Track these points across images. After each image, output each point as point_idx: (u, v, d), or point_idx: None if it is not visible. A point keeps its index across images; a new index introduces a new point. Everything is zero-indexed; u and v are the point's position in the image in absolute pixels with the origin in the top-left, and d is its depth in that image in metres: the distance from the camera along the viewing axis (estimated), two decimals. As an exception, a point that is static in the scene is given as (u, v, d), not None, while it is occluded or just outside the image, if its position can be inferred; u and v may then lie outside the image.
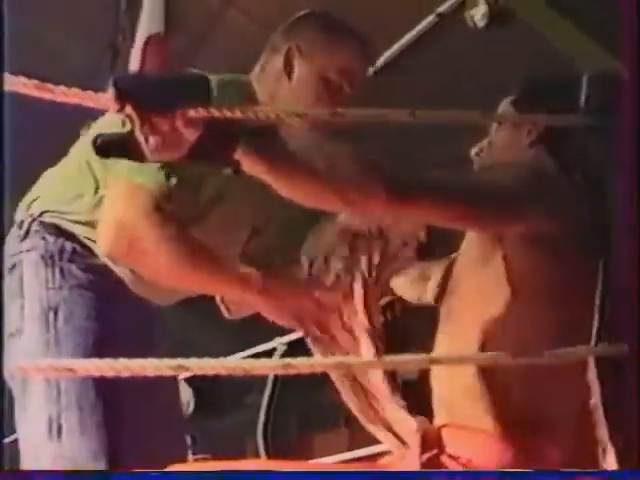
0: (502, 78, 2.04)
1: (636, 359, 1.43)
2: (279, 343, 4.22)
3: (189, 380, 4.90)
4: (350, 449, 4.10)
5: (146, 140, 1.31)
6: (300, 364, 1.25)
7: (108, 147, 1.37)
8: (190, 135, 1.35)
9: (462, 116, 1.48)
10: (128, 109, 1.25)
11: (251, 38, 4.28)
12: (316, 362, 1.31)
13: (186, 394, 4.96)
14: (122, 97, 1.25)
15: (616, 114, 1.73)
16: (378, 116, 1.31)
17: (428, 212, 1.65)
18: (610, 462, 1.58)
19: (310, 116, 1.44)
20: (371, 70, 3.67)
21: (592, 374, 1.63)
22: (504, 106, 1.96)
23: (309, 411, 5.70)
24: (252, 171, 1.47)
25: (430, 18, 3.67)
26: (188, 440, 4.17)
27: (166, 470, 1.55)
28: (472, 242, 1.78)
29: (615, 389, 1.63)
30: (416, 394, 1.84)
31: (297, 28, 2.13)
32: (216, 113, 1.27)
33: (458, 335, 1.73)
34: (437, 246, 2.01)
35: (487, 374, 1.67)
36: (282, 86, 2.08)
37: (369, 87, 2.18)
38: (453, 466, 1.64)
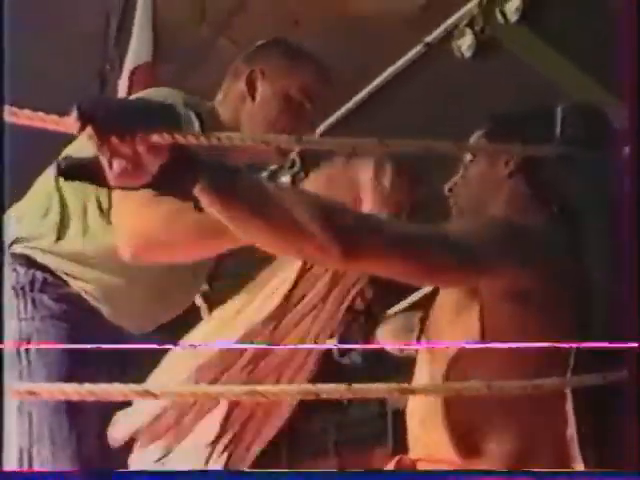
0: (489, 108, 2.04)
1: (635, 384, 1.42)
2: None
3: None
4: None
5: (110, 165, 1.31)
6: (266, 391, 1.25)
7: (73, 170, 1.37)
8: (152, 162, 1.35)
9: (434, 146, 1.48)
10: (89, 130, 1.26)
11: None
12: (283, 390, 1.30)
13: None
14: (84, 118, 1.25)
15: (594, 145, 1.74)
16: (346, 145, 1.30)
17: (385, 270, 1.60)
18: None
19: (275, 142, 1.42)
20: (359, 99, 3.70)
21: (569, 406, 1.63)
22: (475, 139, 1.92)
23: (298, 437, 5.69)
24: (209, 209, 1.45)
25: (418, 48, 3.69)
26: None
27: (166, 470, 1.54)
28: (450, 291, 1.76)
29: (594, 423, 1.62)
30: (404, 423, 1.83)
31: (258, 54, 2.23)
32: (179, 139, 1.27)
33: (431, 372, 1.73)
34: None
35: (454, 407, 1.66)
36: (246, 107, 2.17)
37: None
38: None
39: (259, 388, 1.26)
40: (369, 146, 1.40)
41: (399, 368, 2.02)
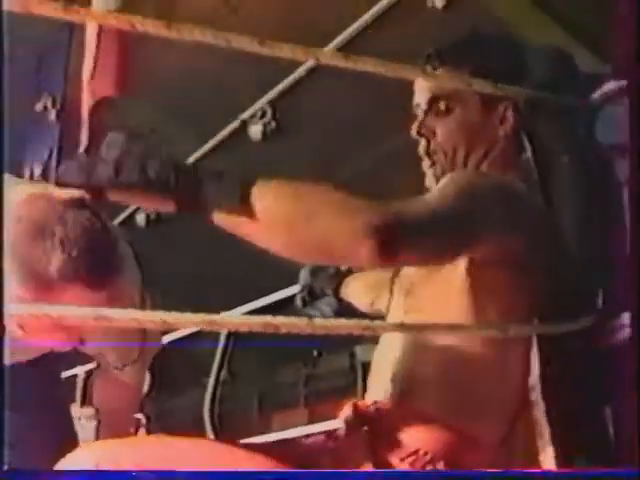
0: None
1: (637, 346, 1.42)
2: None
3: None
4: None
5: None
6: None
7: None
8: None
9: (401, 69, 1.46)
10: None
11: (211, 13, 4.28)
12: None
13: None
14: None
15: (564, 90, 1.73)
16: (310, 55, 1.28)
17: (415, 261, 1.56)
18: (545, 442, 1.58)
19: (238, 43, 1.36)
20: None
21: (534, 352, 1.64)
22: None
23: (267, 390, 5.70)
24: (223, 223, 1.40)
25: (390, -2, 3.65)
26: (143, 419, 4.17)
27: (166, 470, 1.53)
28: None
29: (559, 373, 1.63)
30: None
31: None
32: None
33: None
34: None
35: (422, 351, 1.67)
36: None
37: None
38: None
39: (217, 318, 1.26)
40: (337, 60, 1.38)
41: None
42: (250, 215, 1.35)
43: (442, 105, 1.80)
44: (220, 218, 1.37)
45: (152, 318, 1.25)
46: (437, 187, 1.61)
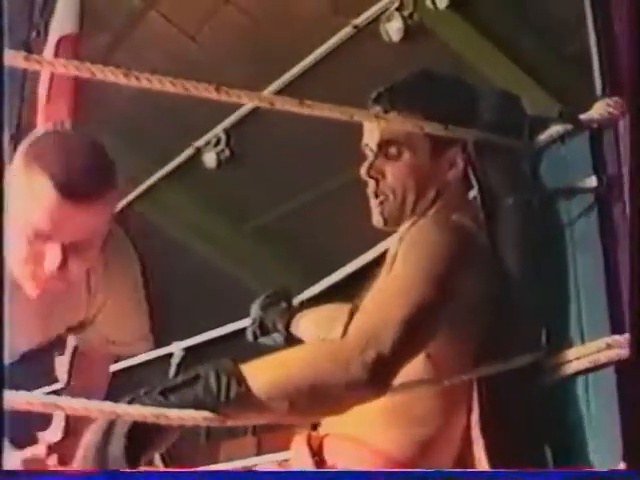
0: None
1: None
2: (177, 349, 4.20)
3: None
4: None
5: None
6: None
7: None
8: None
9: (354, 113, 1.48)
10: None
11: (169, 40, 4.28)
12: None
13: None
14: None
15: (512, 132, 1.74)
16: (266, 100, 1.29)
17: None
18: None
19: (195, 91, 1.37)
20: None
21: (474, 391, 1.65)
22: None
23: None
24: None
25: (347, 30, 3.69)
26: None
27: (167, 470, 1.53)
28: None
29: (497, 411, 1.64)
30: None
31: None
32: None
33: None
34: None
35: None
36: None
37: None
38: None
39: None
40: (291, 105, 1.40)
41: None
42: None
43: (393, 149, 1.79)
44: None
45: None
46: (401, 262, 1.63)
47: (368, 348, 1.46)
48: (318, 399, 1.46)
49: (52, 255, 1.76)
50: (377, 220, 1.82)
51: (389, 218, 1.80)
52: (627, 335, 1.47)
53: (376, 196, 1.81)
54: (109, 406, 1.28)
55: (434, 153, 1.79)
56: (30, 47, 3.79)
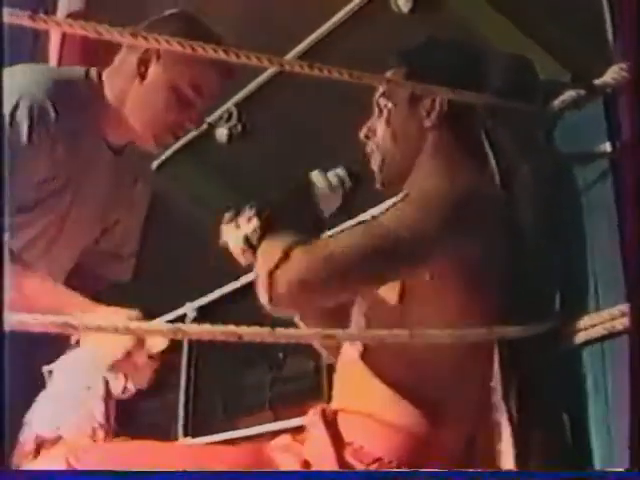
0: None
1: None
2: (190, 309, 4.27)
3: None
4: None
5: None
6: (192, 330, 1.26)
7: None
8: None
9: (356, 74, 1.48)
10: None
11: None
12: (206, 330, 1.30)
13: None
14: None
15: (524, 98, 1.73)
16: (275, 62, 1.28)
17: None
18: (506, 445, 1.59)
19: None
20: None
21: (495, 357, 1.65)
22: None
23: (233, 394, 5.69)
24: None
25: (355, 1, 3.66)
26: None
27: (167, 470, 1.53)
28: None
29: (519, 376, 1.64)
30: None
31: (160, 30, 1.99)
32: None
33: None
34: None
35: (375, 356, 1.68)
36: (133, 86, 2.14)
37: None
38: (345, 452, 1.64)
39: (183, 327, 1.27)
40: (297, 67, 1.41)
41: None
42: None
43: (382, 100, 1.84)
44: None
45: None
46: (395, 207, 1.68)
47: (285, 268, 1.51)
48: None
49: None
50: (377, 183, 1.85)
51: (385, 179, 1.84)
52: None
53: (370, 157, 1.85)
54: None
55: (411, 103, 1.79)
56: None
